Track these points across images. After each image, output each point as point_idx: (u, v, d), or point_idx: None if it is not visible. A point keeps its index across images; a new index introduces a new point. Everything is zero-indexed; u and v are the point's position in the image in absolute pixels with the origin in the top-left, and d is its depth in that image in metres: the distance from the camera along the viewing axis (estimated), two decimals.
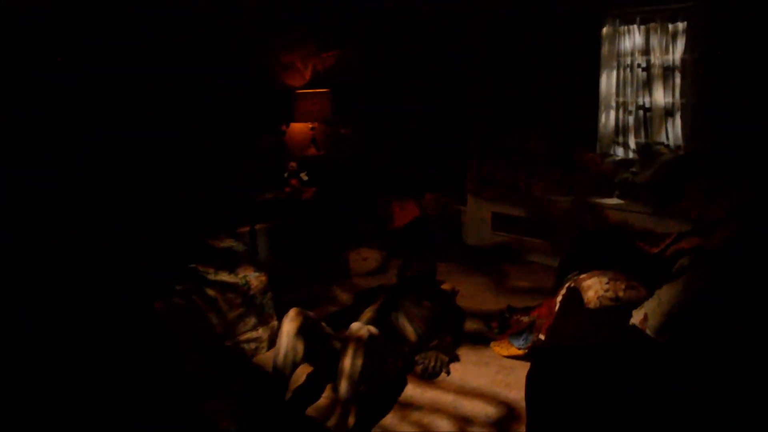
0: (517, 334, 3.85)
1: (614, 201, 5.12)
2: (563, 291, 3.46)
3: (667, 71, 5.11)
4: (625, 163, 5.34)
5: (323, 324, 3.41)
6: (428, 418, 3.17)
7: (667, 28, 5.04)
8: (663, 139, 5.23)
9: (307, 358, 3.26)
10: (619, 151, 5.51)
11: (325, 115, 5.56)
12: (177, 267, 3.65)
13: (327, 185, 5.43)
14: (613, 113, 5.48)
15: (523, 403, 3.18)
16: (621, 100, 5.43)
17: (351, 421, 2.94)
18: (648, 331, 2.76)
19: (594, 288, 3.16)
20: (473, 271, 5.39)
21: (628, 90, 5.38)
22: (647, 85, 5.26)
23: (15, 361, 2.95)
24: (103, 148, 4.07)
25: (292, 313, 3.25)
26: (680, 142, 5.11)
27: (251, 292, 3.78)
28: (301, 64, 5.62)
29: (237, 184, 4.94)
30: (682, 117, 5.07)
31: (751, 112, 4.55)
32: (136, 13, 4.31)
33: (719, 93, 4.73)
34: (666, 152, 5.18)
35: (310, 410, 3.22)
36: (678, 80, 5.05)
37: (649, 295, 2.99)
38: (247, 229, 4.22)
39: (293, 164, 5.13)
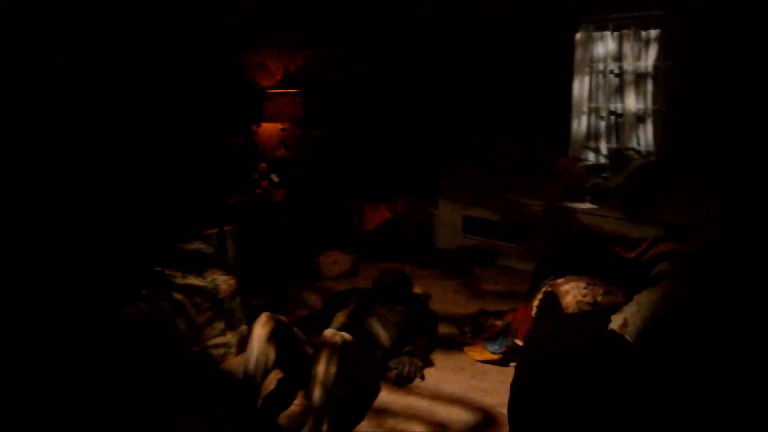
0: (492, 339, 3.81)
1: (586, 206, 5.13)
2: (540, 296, 3.43)
3: (640, 78, 5.15)
4: (597, 168, 5.37)
5: (295, 329, 3.31)
6: (403, 425, 3.10)
7: (640, 35, 5.08)
8: (634, 144, 5.27)
9: (278, 364, 3.15)
10: (591, 157, 5.53)
11: (295, 116, 5.46)
12: (143, 270, 3.51)
13: (298, 187, 5.32)
14: (585, 118, 5.50)
15: (499, 409, 3.17)
16: (593, 105, 5.46)
17: (324, 428, 2.84)
18: (628, 337, 2.73)
19: (572, 293, 3.13)
20: (444, 275, 5.35)
21: (601, 96, 5.41)
22: (619, 91, 5.30)
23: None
24: (67, 149, 3.94)
25: (263, 317, 3.14)
26: (651, 148, 5.15)
27: (220, 296, 3.65)
28: (273, 63, 5.51)
29: (206, 185, 4.80)
30: (653, 123, 5.11)
31: (722, 119, 4.60)
32: (99, 11, 4.18)
33: (691, 100, 4.77)
34: (637, 158, 5.21)
35: (282, 418, 3.12)
36: (650, 87, 5.09)
37: (627, 300, 2.97)
38: (215, 231, 4.10)
39: (264, 165, 5.02)
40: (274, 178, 4.98)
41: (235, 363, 3.66)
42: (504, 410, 3.12)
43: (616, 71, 5.29)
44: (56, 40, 3.86)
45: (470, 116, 5.95)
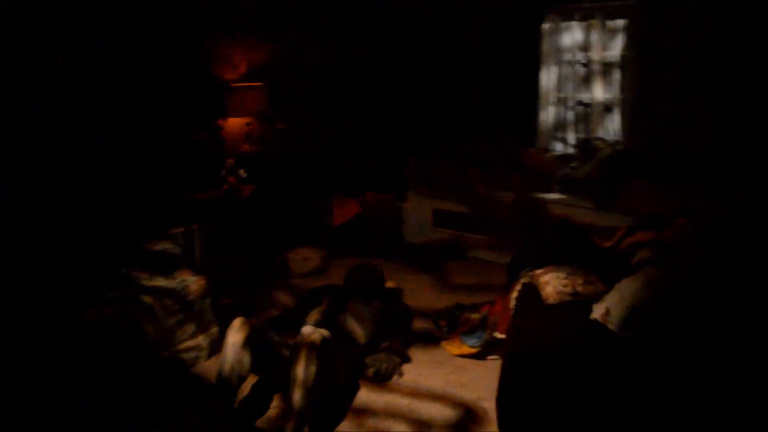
0: (469, 332, 3.75)
1: (556, 196, 5.13)
2: (518, 287, 3.39)
3: (607, 67, 5.17)
4: (565, 158, 5.37)
5: (269, 332, 3.21)
6: (385, 424, 3.02)
7: (607, 24, 5.09)
8: (602, 134, 5.29)
9: (253, 369, 3.04)
10: (559, 147, 5.54)
11: (260, 110, 5.32)
12: (107, 272, 3.35)
13: (266, 183, 5.19)
14: (553, 109, 5.50)
15: (480, 403, 3.13)
16: (561, 95, 5.46)
17: (306, 431, 2.75)
18: (610, 326, 2.70)
19: (552, 283, 3.09)
20: (416, 269, 5.29)
21: (568, 86, 5.41)
22: (587, 81, 5.31)
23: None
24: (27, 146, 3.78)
25: (236, 323, 3.03)
26: (619, 137, 5.17)
27: (190, 298, 3.51)
28: (237, 57, 5.35)
29: (172, 182, 4.63)
30: (620, 113, 5.13)
31: (688, 108, 4.64)
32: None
33: (657, 89, 4.80)
34: (604, 147, 5.22)
35: (260, 423, 3.01)
36: (617, 76, 5.11)
37: (608, 289, 2.94)
38: (182, 229, 3.95)
39: (231, 161, 4.86)
40: (242, 173, 4.84)
41: (206, 367, 3.53)
42: (486, 404, 3.11)
43: (584, 61, 5.30)
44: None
45: (438, 108, 5.89)
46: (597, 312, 2.81)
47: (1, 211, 3.34)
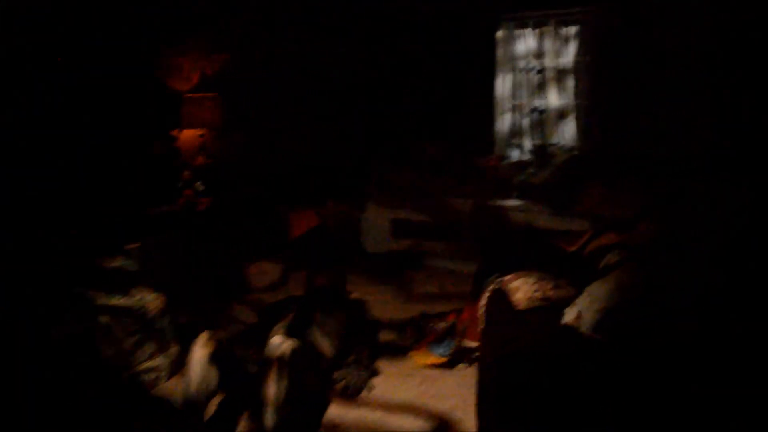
0: (437, 342, 3.71)
1: (514, 202, 5.16)
2: (486, 294, 3.36)
3: (561, 74, 5.24)
4: (522, 164, 5.41)
5: (236, 347, 3.09)
6: None
7: (560, 32, 5.16)
8: (557, 140, 5.34)
9: (220, 386, 2.92)
10: (515, 153, 5.57)
11: (214, 122, 5.18)
12: (60, 292, 3.17)
13: (223, 195, 5.04)
14: (508, 116, 5.53)
15: (453, 413, 3.09)
16: (516, 102, 5.50)
17: None
18: (582, 329, 2.70)
19: (522, 289, 3.08)
20: (376, 279, 5.23)
21: (523, 93, 5.46)
22: (541, 88, 5.36)
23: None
24: None
25: (202, 338, 2.92)
26: (574, 143, 5.23)
27: (149, 316, 3.36)
28: (189, 67, 5.20)
29: (126, 195, 4.44)
30: (575, 118, 5.20)
31: (640, 113, 4.73)
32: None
33: (610, 95, 4.88)
34: (560, 153, 5.29)
35: None
36: (571, 83, 5.18)
37: (578, 293, 2.94)
38: (138, 245, 3.78)
39: (187, 173, 4.71)
40: (199, 186, 4.69)
41: (168, 387, 3.38)
42: (459, 414, 3.08)
43: (538, 68, 5.35)
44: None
45: (393, 116, 5.85)
46: (569, 316, 2.81)
47: None
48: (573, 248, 3.50)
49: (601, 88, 4.95)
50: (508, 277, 3.23)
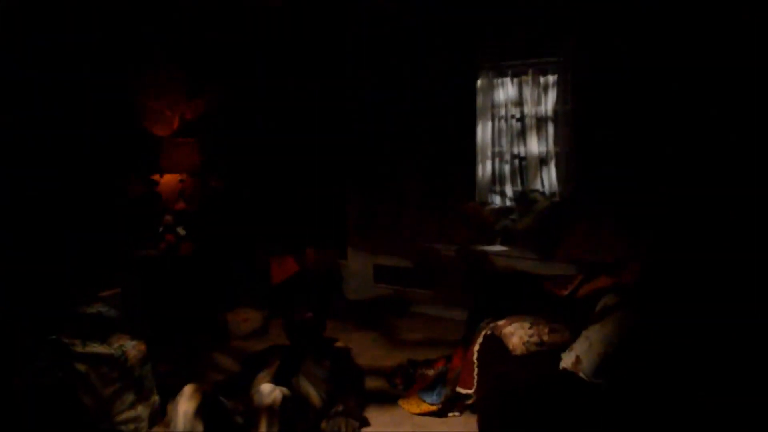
0: (428, 389, 3.63)
1: (498, 248, 5.16)
2: (479, 340, 3.30)
3: (541, 121, 5.31)
4: (504, 210, 5.43)
5: (222, 399, 2.97)
6: None
7: (539, 80, 5.25)
8: (539, 186, 5.38)
9: None
10: (497, 200, 5.59)
11: (192, 166, 5.12)
12: (34, 339, 3.02)
13: (204, 240, 4.94)
14: (489, 163, 5.57)
15: None
16: (497, 149, 5.55)
17: None
18: (582, 374, 2.66)
19: (517, 334, 3.03)
20: (360, 326, 5.16)
21: (504, 140, 5.51)
22: (522, 135, 5.42)
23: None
24: None
25: (188, 390, 2.80)
26: (555, 189, 5.28)
27: (128, 364, 3.23)
28: (169, 111, 5.15)
29: (105, 239, 4.31)
30: (556, 165, 5.26)
31: (621, 159, 4.80)
32: None
33: (590, 142, 4.95)
34: (542, 200, 5.32)
35: None
36: (551, 130, 5.25)
37: (573, 337, 2.91)
38: (117, 290, 3.65)
39: (169, 218, 4.61)
40: (181, 231, 4.59)
41: None
42: None
43: (518, 116, 5.43)
44: None
45: (376, 162, 5.86)
46: (567, 361, 2.77)
47: None
48: (565, 292, 3.48)
49: (580, 135, 5.02)
50: (502, 322, 3.18)
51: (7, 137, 3.84)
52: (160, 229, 4.53)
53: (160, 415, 3.44)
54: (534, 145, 5.35)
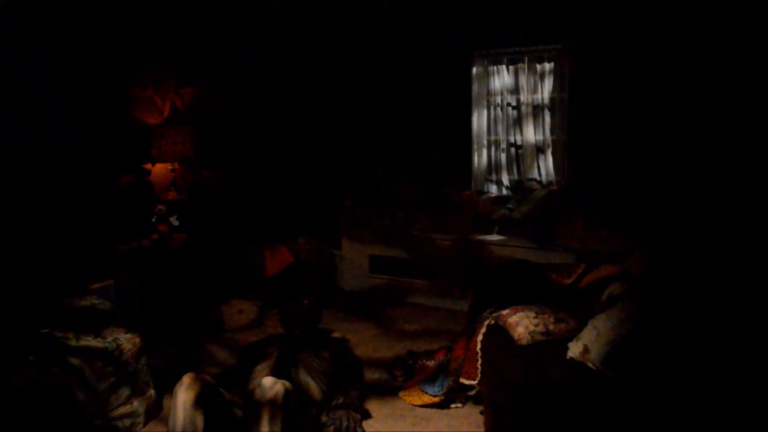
0: (430, 380, 3.58)
1: (495, 237, 5.12)
2: (482, 330, 3.25)
3: (537, 109, 5.26)
4: (501, 199, 5.39)
5: (221, 390, 2.90)
6: None
7: (535, 68, 5.21)
8: (535, 175, 5.35)
9: (206, 430, 2.72)
10: (493, 189, 5.55)
11: (185, 155, 5.01)
12: (25, 334, 2.94)
13: (198, 231, 4.84)
14: (485, 151, 5.52)
15: None
16: (493, 138, 5.50)
17: None
18: (590, 364, 2.62)
19: (522, 323, 2.98)
20: (356, 317, 5.09)
21: (500, 128, 5.46)
22: (518, 123, 5.38)
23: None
24: None
25: (186, 379, 2.72)
26: (552, 177, 5.24)
27: (124, 358, 3.14)
28: (160, 99, 5.04)
29: (96, 230, 4.20)
30: (552, 153, 5.22)
31: (617, 147, 4.77)
32: None
33: (587, 130, 4.92)
34: (538, 188, 5.29)
35: None
36: (547, 118, 5.21)
37: (580, 326, 2.87)
38: (110, 282, 3.56)
39: (162, 208, 4.50)
40: (174, 221, 4.48)
41: None
42: None
43: (514, 104, 5.38)
44: None
45: (371, 151, 5.80)
46: (574, 350, 2.73)
47: None
48: (569, 281, 3.44)
49: (577, 123, 4.99)
50: (506, 311, 3.12)
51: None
52: (153, 219, 4.42)
53: (157, 409, 3.37)
54: (530, 134, 5.31)
